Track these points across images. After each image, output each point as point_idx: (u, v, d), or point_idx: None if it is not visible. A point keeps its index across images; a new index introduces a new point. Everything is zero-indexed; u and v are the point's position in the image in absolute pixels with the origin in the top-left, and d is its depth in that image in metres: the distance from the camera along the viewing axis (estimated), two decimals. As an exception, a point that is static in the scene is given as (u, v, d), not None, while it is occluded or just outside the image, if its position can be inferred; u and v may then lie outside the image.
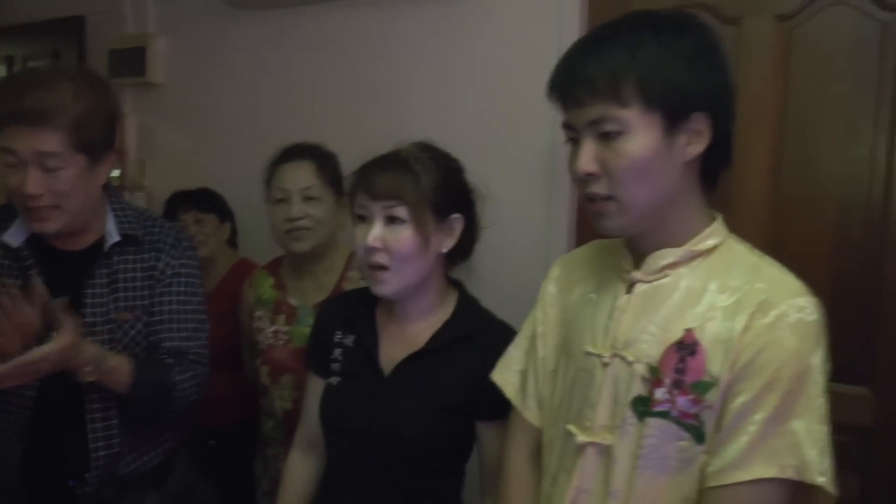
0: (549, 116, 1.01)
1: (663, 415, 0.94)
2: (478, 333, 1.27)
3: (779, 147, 1.67)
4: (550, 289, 1.16)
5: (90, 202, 1.38)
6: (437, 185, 1.23)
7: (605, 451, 0.98)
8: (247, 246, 2.29)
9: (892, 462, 1.58)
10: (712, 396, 0.91)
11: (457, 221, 1.27)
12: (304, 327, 1.69)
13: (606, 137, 0.93)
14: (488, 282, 1.45)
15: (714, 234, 0.99)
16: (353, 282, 1.72)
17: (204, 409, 1.50)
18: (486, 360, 1.22)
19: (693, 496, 0.94)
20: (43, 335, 1.21)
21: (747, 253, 0.99)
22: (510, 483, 1.15)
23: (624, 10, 1.72)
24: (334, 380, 1.33)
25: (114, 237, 1.40)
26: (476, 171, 1.33)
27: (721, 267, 0.97)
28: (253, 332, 1.83)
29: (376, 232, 1.21)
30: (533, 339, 1.16)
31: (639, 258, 1.01)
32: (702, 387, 0.92)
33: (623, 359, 0.97)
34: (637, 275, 1.00)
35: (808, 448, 0.88)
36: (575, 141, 0.97)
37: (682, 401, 0.93)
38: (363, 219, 1.24)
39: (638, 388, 0.96)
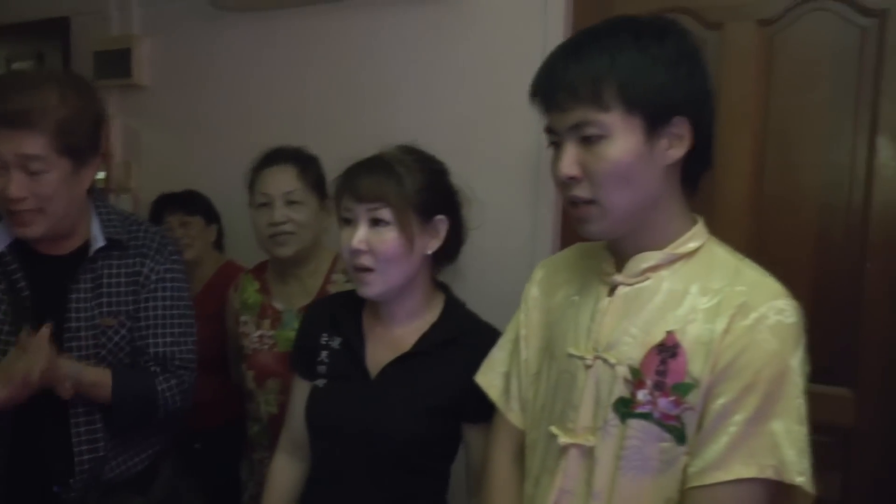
0: (535, 119, 1.01)
1: (645, 416, 0.95)
2: (464, 336, 1.28)
3: (761, 150, 1.68)
4: (533, 292, 1.17)
5: (74, 206, 1.37)
6: (421, 187, 1.23)
7: (588, 453, 0.99)
8: (233, 248, 2.29)
9: (872, 462, 1.60)
10: (693, 398, 0.92)
11: (441, 223, 1.27)
12: (289, 331, 1.69)
13: (588, 141, 0.94)
14: (474, 284, 1.45)
15: (695, 237, 1.00)
16: (338, 285, 1.72)
17: (189, 412, 1.50)
18: (472, 362, 1.22)
19: (675, 497, 0.95)
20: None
21: (728, 256, 1.00)
22: (493, 484, 1.16)
23: (608, 14, 1.74)
24: (320, 382, 1.33)
25: (99, 242, 1.39)
26: (462, 174, 1.34)
27: (702, 269, 0.98)
28: (238, 337, 1.83)
29: (361, 234, 1.22)
30: (516, 341, 1.17)
31: (621, 261, 1.02)
32: (683, 388, 0.93)
33: (605, 361, 0.98)
34: (619, 278, 1.01)
35: (787, 448, 0.89)
36: (557, 145, 0.98)
37: (664, 402, 0.94)
38: (349, 222, 1.25)
39: (620, 390, 0.97)
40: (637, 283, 1.00)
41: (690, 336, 0.94)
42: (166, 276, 1.44)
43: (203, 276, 2.16)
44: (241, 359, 1.82)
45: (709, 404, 0.92)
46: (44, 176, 1.28)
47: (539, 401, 1.10)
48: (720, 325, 0.92)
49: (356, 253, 1.22)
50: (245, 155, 1.80)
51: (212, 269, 2.18)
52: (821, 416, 1.54)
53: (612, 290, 1.02)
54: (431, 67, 1.98)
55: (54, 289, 1.37)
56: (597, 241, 1.07)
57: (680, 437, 0.93)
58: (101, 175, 2.38)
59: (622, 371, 0.97)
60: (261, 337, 1.77)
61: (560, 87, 0.94)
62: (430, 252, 1.27)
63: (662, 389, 0.94)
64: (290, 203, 1.70)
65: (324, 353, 1.34)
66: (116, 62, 2.47)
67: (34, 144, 1.26)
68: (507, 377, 1.16)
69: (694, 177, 1.01)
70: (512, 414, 1.15)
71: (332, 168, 1.32)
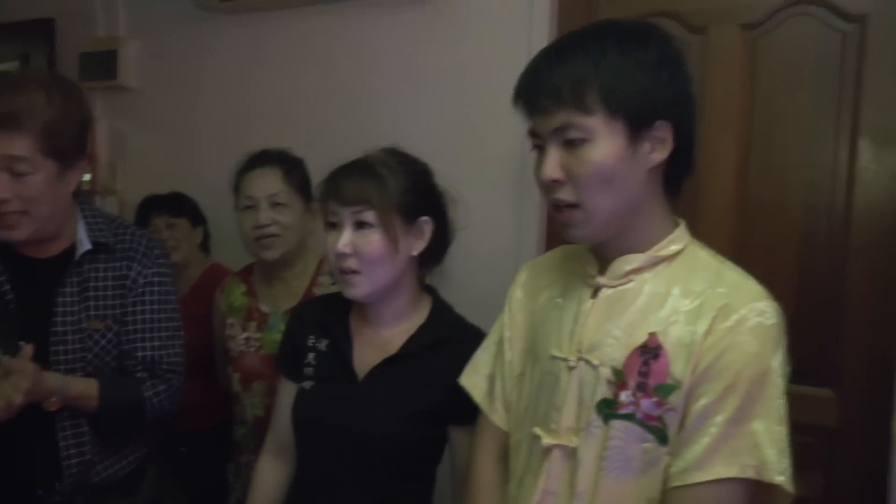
0: (520, 122, 1.02)
1: (628, 417, 0.95)
2: (451, 339, 1.28)
3: (745, 153, 1.70)
4: (517, 294, 1.18)
5: (60, 209, 1.36)
6: (405, 189, 1.24)
7: (571, 454, 0.99)
8: (219, 251, 2.28)
9: (854, 461, 1.62)
10: (675, 399, 0.93)
11: (426, 224, 1.28)
12: (276, 334, 1.69)
13: (571, 145, 0.94)
14: (459, 285, 1.46)
15: (677, 240, 1.01)
16: (324, 287, 1.73)
17: (176, 415, 1.49)
18: (459, 365, 1.23)
19: (657, 497, 0.95)
20: None
21: (709, 258, 1.01)
22: (477, 485, 1.16)
23: (593, 18, 1.77)
24: (307, 384, 1.33)
25: (85, 245, 1.39)
26: (447, 176, 1.34)
27: (684, 272, 0.99)
28: (225, 340, 1.82)
29: (346, 238, 1.22)
30: (500, 343, 1.17)
31: (604, 264, 1.03)
32: (665, 389, 0.94)
33: (588, 362, 0.99)
34: (602, 280, 1.02)
35: (768, 448, 0.90)
36: (540, 148, 0.99)
37: (646, 403, 0.94)
38: (334, 225, 1.25)
39: (603, 391, 0.97)
40: (620, 285, 1.01)
41: (672, 338, 0.95)
42: (153, 279, 1.43)
43: (189, 278, 2.15)
44: (228, 361, 1.82)
45: (690, 405, 0.93)
46: (29, 178, 1.28)
47: (523, 402, 1.10)
48: (702, 326, 0.93)
49: (342, 256, 1.22)
50: (231, 157, 1.80)
51: (198, 272, 2.17)
52: (804, 416, 1.56)
53: (595, 292, 1.02)
54: (418, 70, 1.99)
55: (40, 292, 1.36)
56: (583, 244, 1.08)
57: (662, 437, 0.94)
58: (86, 177, 2.37)
59: (605, 372, 0.97)
60: (247, 339, 1.77)
61: (543, 90, 0.95)
62: (415, 253, 1.27)
63: (645, 390, 0.95)
64: (275, 205, 1.70)
65: (311, 355, 1.34)
66: (102, 64, 2.46)
67: (20, 146, 1.26)
68: (492, 379, 1.17)
69: (676, 180, 1.02)
70: (496, 415, 1.15)
71: (320, 170, 1.32)
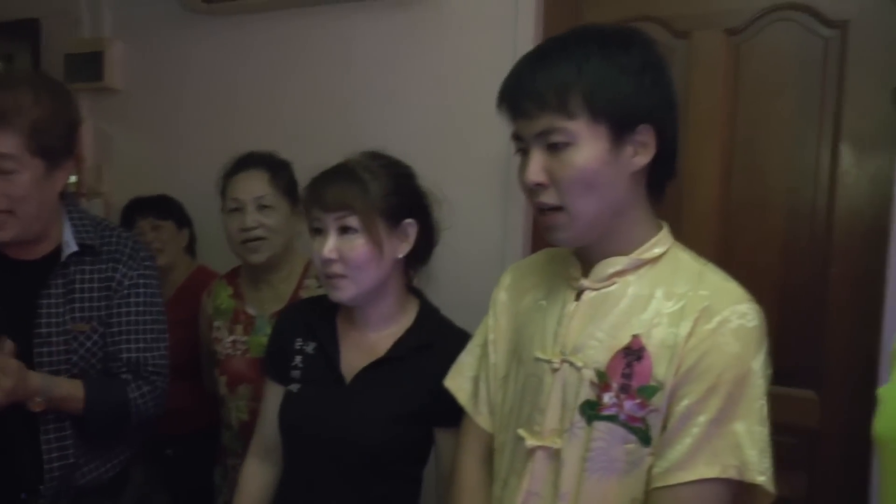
0: (505, 124, 1.03)
1: (611, 418, 0.96)
2: (438, 342, 1.29)
3: (729, 156, 1.72)
4: (501, 296, 1.18)
5: (46, 209, 1.36)
6: (387, 193, 1.24)
7: (555, 455, 1.00)
8: (205, 253, 2.28)
9: (836, 462, 1.63)
10: (658, 400, 0.94)
11: (410, 227, 1.28)
12: (262, 336, 1.69)
13: (554, 148, 0.95)
14: (446, 287, 1.46)
15: (660, 243, 1.02)
16: (310, 290, 1.73)
17: (161, 418, 1.49)
18: (445, 368, 1.23)
19: (640, 497, 0.96)
20: None
21: (692, 261, 1.02)
22: (462, 487, 1.16)
23: (578, 22, 1.78)
24: (294, 387, 1.33)
25: (71, 247, 1.38)
26: (433, 178, 1.35)
27: (667, 274, 1.00)
28: (211, 343, 1.82)
29: (331, 243, 1.22)
30: (485, 345, 1.18)
31: (587, 266, 1.03)
32: (648, 391, 0.95)
33: (572, 364, 0.99)
34: (585, 282, 1.03)
35: (749, 448, 0.91)
36: (524, 151, 1.00)
37: (629, 405, 0.95)
38: (318, 231, 1.25)
39: (586, 393, 0.98)
40: (603, 287, 1.01)
41: (655, 339, 0.95)
42: (139, 281, 1.43)
43: (175, 280, 2.14)
44: (214, 364, 1.81)
45: (673, 406, 0.94)
46: (16, 176, 1.27)
47: (507, 404, 1.11)
48: (684, 328, 0.94)
49: (327, 262, 1.23)
50: (217, 159, 1.80)
51: (184, 275, 2.16)
52: (787, 417, 1.58)
53: (579, 294, 1.03)
54: (404, 73, 1.99)
55: (24, 294, 1.35)
56: (568, 247, 1.09)
57: (645, 438, 0.95)
58: (72, 179, 2.35)
59: (588, 374, 0.98)
60: (234, 342, 1.77)
61: (527, 94, 0.96)
62: (400, 256, 1.28)
63: (628, 392, 0.95)
64: (262, 208, 1.70)
65: (298, 358, 1.34)
66: (88, 65, 2.44)
67: (7, 143, 1.25)
68: (476, 381, 1.17)
69: (659, 184, 1.03)
70: (480, 417, 1.16)
71: (306, 172, 1.33)
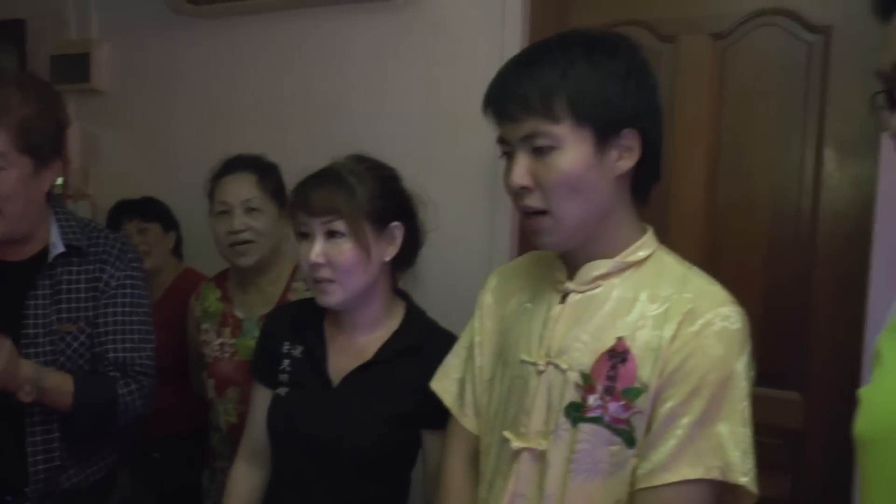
0: (491, 127, 1.03)
1: (596, 420, 0.97)
2: (425, 345, 1.29)
3: (714, 159, 1.73)
4: (487, 299, 1.19)
5: (33, 209, 1.35)
6: (374, 196, 1.24)
7: (540, 457, 1.00)
8: (193, 256, 2.27)
9: (820, 463, 1.65)
10: (642, 402, 0.95)
11: (397, 229, 1.28)
12: (250, 339, 1.68)
13: (539, 152, 0.96)
14: (432, 289, 1.46)
15: (645, 246, 1.03)
16: (298, 293, 1.72)
17: (148, 421, 1.49)
18: (432, 370, 1.23)
19: (624, 498, 0.97)
20: None
21: (676, 264, 1.03)
22: (448, 488, 1.17)
23: (565, 26, 1.79)
24: (282, 390, 1.33)
25: (58, 248, 1.38)
26: (420, 181, 1.35)
27: (651, 277, 1.01)
28: (199, 346, 1.82)
29: (318, 248, 1.22)
30: (471, 348, 1.18)
31: (572, 269, 1.04)
32: (632, 393, 0.95)
33: (557, 367, 1.00)
34: (570, 285, 1.03)
35: (732, 450, 0.92)
36: (510, 155, 1.00)
37: (614, 406, 0.96)
38: (305, 235, 1.25)
39: (571, 395, 0.99)
40: (588, 290, 1.02)
41: (640, 342, 0.96)
42: (126, 282, 1.43)
43: (162, 283, 2.14)
44: (202, 367, 1.81)
45: (657, 408, 0.94)
46: (3, 174, 1.27)
47: (493, 406, 1.11)
48: (668, 331, 0.95)
49: (315, 266, 1.23)
50: (204, 162, 1.80)
51: (170, 277, 2.16)
52: (771, 419, 1.59)
53: (564, 297, 1.04)
54: (392, 75, 2.00)
55: (11, 295, 1.35)
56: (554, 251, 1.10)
57: (629, 440, 0.95)
58: (58, 181, 2.34)
59: (573, 376, 0.99)
60: (221, 345, 1.76)
61: (512, 98, 0.96)
62: (387, 259, 1.28)
63: (612, 394, 0.96)
64: (250, 211, 1.70)
65: (286, 362, 1.34)
66: (74, 66, 2.43)
67: None
68: (462, 383, 1.18)
69: (644, 188, 1.04)
70: (466, 419, 1.16)
71: (293, 175, 1.33)
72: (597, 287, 1.01)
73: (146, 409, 1.43)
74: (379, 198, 1.25)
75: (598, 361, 0.97)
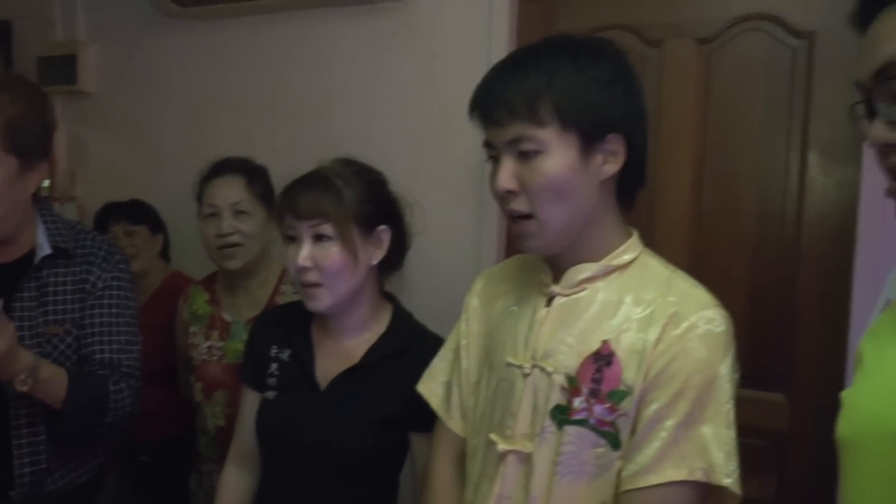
0: (478, 131, 1.04)
1: (581, 423, 0.97)
2: (412, 348, 1.29)
3: (700, 164, 1.74)
4: (473, 302, 1.19)
5: (18, 209, 1.34)
6: (361, 200, 1.25)
7: (526, 459, 1.01)
8: (181, 259, 2.26)
9: (805, 464, 1.66)
10: (627, 405, 0.95)
11: (384, 233, 1.29)
12: (238, 342, 1.68)
13: (525, 156, 0.96)
14: (419, 292, 1.47)
15: (630, 250, 1.03)
16: (287, 296, 1.72)
17: (135, 424, 1.48)
18: (419, 373, 1.23)
19: (609, 500, 0.97)
20: None
21: (661, 267, 1.04)
22: (434, 491, 1.17)
23: (552, 29, 1.80)
24: (270, 394, 1.33)
25: (45, 250, 1.37)
26: (407, 184, 1.36)
27: (636, 281, 1.01)
28: (188, 349, 1.81)
29: (305, 252, 1.22)
30: (457, 351, 1.18)
31: (558, 272, 1.05)
32: (617, 395, 0.96)
33: (542, 369, 1.00)
34: (556, 288, 1.04)
35: (716, 451, 0.93)
36: (495, 159, 1.01)
37: (599, 409, 0.96)
38: (292, 239, 1.25)
39: (557, 398, 0.99)
40: (573, 293, 1.03)
41: (624, 345, 0.97)
42: (113, 283, 1.42)
43: (149, 286, 2.13)
44: (190, 370, 1.80)
45: (642, 410, 0.95)
46: None
47: (479, 409, 1.12)
48: (653, 334, 0.95)
49: (303, 270, 1.23)
50: (192, 164, 1.80)
51: (158, 280, 2.15)
52: (757, 421, 1.60)
53: (550, 300, 1.04)
54: (379, 78, 2.00)
55: None
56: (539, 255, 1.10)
57: (614, 442, 0.96)
58: (45, 183, 2.33)
59: (559, 379, 0.99)
60: (209, 348, 1.76)
61: (498, 103, 0.97)
62: (375, 262, 1.28)
63: (598, 396, 0.96)
64: (238, 214, 1.70)
65: (273, 366, 1.34)
66: (61, 68, 2.41)
67: None
68: (448, 386, 1.18)
69: (629, 192, 1.04)
70: (453, 422, 1.16)
71: (281, 178, 1.33)
72: (582, 290, 1.02)
73: (134, 408, 1.42)
74: (366, 201, 1.25)
75: (584, 364, 0.98)
